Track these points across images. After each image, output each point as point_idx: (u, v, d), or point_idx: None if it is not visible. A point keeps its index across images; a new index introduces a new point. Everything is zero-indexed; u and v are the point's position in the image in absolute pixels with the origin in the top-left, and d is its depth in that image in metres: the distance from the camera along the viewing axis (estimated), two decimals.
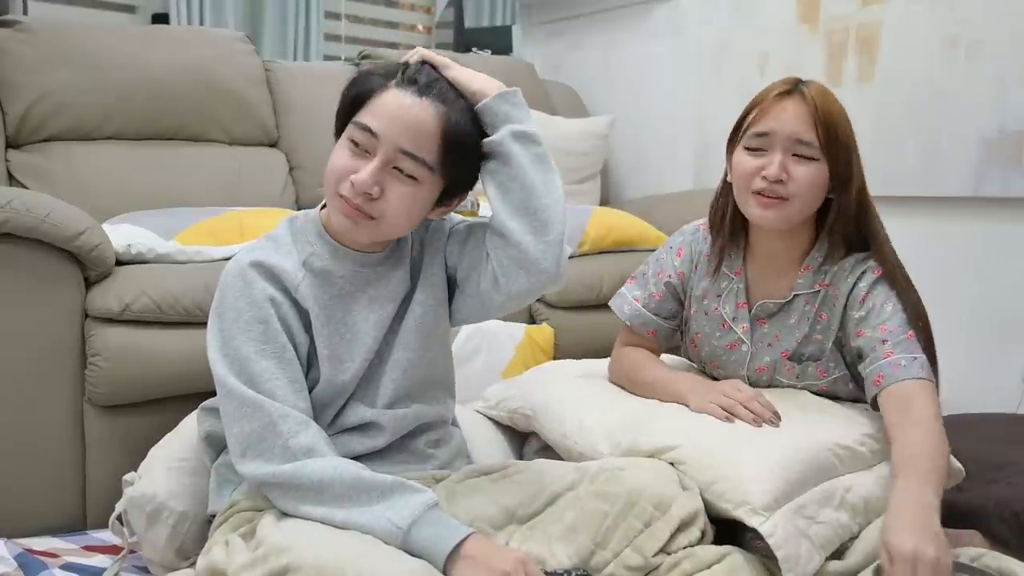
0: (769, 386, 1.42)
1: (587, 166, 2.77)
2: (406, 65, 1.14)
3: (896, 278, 1.33)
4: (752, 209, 1.33)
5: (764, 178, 1.29)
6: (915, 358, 1.26)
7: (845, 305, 1.34)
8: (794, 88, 1.31)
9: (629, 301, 1.53)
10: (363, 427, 1.19)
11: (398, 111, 1.09)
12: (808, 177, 1.29)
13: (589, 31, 3.18)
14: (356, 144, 1.11)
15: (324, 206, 1.20)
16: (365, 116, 1.10)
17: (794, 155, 1.29)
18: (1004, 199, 2.08)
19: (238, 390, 1.09)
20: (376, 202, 1.10)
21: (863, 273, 1.33)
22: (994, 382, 2.13)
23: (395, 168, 1.10)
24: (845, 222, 1.33)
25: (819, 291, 1.37)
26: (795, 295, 1.38)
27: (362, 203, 1.10)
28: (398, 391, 1.21)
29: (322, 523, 1.04)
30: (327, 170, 1.13)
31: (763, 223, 1.33)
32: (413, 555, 0.99)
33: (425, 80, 1.12)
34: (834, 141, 1.29)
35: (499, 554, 1.00)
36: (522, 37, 3.45)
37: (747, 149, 1.33)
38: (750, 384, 1.42)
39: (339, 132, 1.15)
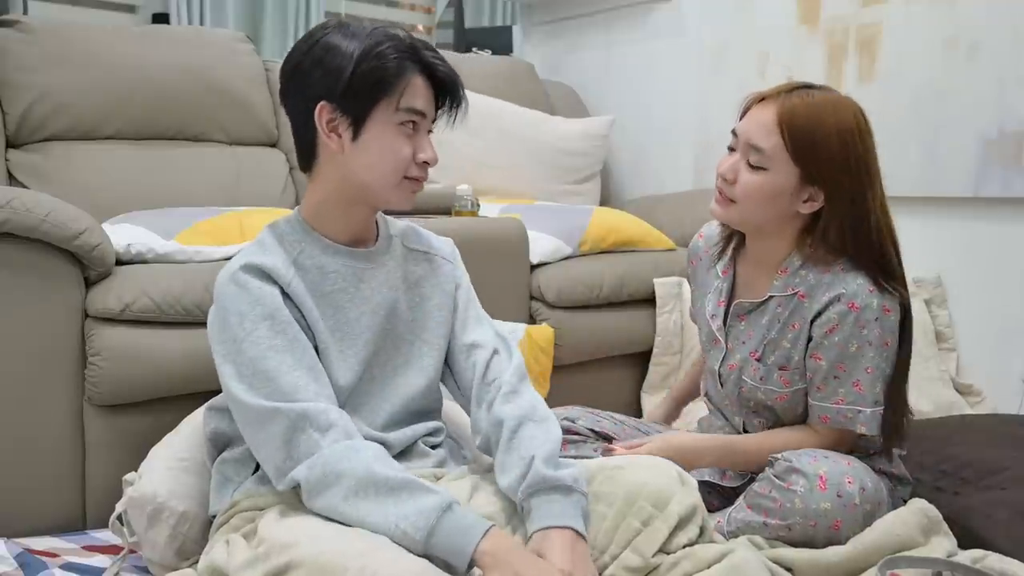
0: (738, 388, 1.43)
1: (587, 166, 2.77)
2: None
3: (871, 320, 1.29)
4: (712, 204, 1.38)
5: (720, 175, 1.35)
6: (859, 411, 1.32)
7: (813, 321, 1.34)
8: (780, 93, 1.31)
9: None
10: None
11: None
12: (749, 184, 1.31)
13: (589, 31, 3.18)
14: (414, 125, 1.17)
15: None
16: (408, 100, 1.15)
17: (748, 160, 1.31)
18: (1004, 199, 2.08)
19: (255, 403, 1.08)
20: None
21: (838, 298, 1.31)
22: (994, 382, 2.13)
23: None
24: (824, 236, 1.32)
25: (792, 296, 1.36)
26: (770, 296, 1.39)
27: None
28: (394, 414, 1.24)
29: (356, 521, 1.03)
30: (384, 162, 1.16)
31: (718, 217, 1.39)
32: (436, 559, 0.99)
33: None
34: (805, 150, 1.27)
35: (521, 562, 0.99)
36: (522, 37, 3.45)
37: (728, 147, 1.36)
38: (720, 383, 1.45)
39: (352, 111, 1.15)
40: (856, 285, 1.30)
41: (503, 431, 1.18)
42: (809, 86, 1.33)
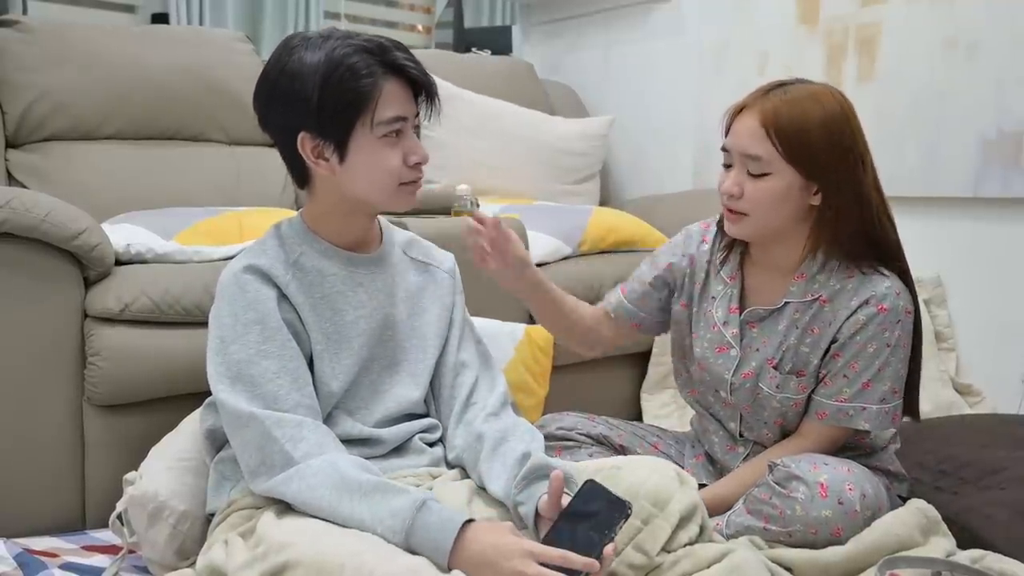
0: (753, 395, 1.40)
1: (586, 166, 2.77)
2: None
3: (894, 323, 1.31)
4: (724, 223, 1.37)
5: (724, 193, 1.33)
6: (863, 408, 1.32)
7: (840, 327, 1.33)
8: (754, 100, 1.31)
9: (616, 292, 1.57)
10: (364, 441, 1.21)
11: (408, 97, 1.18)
12: (757, 194, 1.30)
13: (588, 31, 3.18)
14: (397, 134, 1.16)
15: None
16: (383, 111, 1.14)
17: (748, 171, 1.30)
18: (1003, 199, 2.08)
19: (233, 406, 1.10)
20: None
21: (867, 301, 1.31)
22: (994, 382, 2.13)
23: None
24: (832, 231, 1.31)
25: (813, 301, 1.35)
26: (786, 303, 1.37)
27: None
28: (388, 416, 1.24)
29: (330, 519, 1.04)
30: (376, 177, 1.16)
31: (733, 235, 1.37)
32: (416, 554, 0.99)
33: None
34: (797, 150, 1.27)
35: (503, 553, 0.98)
36: (521, 37, 3.45)
37: (723, 164, 1.35)
38: (731, 391, 1.41)
39: (333, 132, 1.14)
40: (884, 288, 1.31)
41: (485, 443, 1.19)
42: (783, 83, 1.32)
